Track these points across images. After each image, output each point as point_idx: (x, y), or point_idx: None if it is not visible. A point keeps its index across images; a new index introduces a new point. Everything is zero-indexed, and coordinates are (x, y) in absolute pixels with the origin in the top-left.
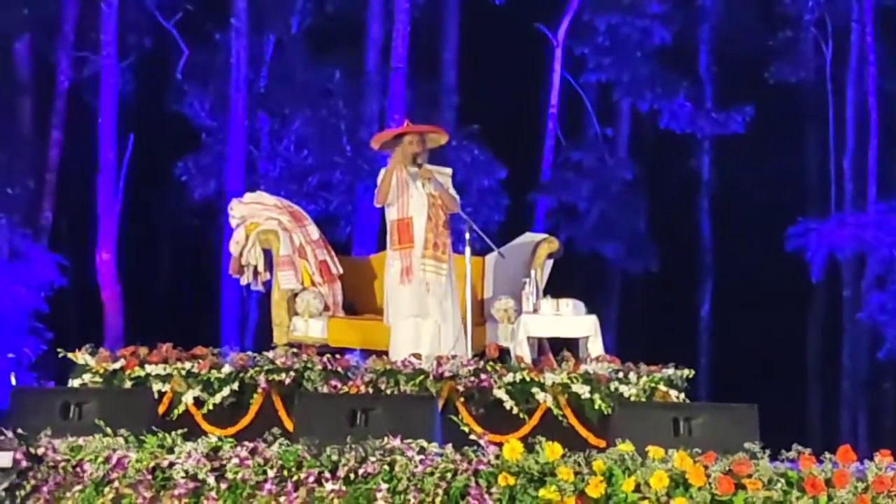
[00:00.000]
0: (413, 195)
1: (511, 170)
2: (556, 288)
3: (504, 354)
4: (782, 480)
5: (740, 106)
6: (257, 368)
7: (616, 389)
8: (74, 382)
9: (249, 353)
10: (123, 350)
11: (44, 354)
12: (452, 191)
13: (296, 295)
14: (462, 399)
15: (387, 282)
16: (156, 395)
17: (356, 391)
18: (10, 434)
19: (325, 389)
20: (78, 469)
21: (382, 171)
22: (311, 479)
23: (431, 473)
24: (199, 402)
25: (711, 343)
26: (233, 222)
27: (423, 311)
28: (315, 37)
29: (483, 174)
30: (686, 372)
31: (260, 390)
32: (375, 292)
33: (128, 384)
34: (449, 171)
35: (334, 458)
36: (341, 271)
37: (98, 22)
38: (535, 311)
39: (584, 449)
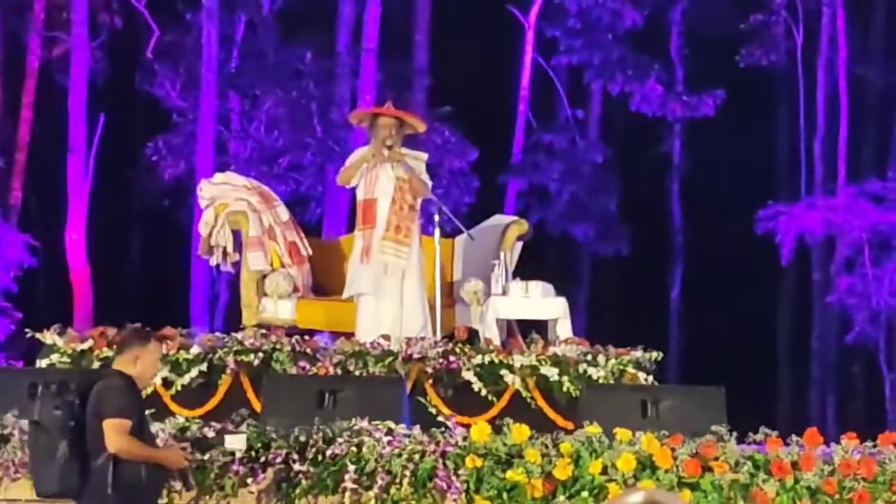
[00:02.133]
0: (380, 177)
1: (482, 152)
2: (525, 270)
3: (473, 336)
4: (749, 463)
5: (711, 89)
6: (226, 349)
7: (584, 372)
8: (42, 363)
9: (218, 334)
10: (92, 331)
11: (12, 334)
12: (425, 176)
13: (265, 276)
14: (430, 381)
15: (350, 258)
16: None
17: (325, 372)
18: None
19: (294, 371)
20: None
21: (357, 151)
22: (279, 460)
23: (399, 455)
24: (167, 383)
25: (681, 326)
26: (202, 203)
27: (379, 292)
28: (286, 17)
29: (454, 156)
30: (654, 354)
31: (228, 371)
32: (344, 274)
33: (96, 365)
34: (424, 155)
35: (302, 439)
36: (310, 253)
37: (68, 1)
38: (505, 293)
39: (552, 431)
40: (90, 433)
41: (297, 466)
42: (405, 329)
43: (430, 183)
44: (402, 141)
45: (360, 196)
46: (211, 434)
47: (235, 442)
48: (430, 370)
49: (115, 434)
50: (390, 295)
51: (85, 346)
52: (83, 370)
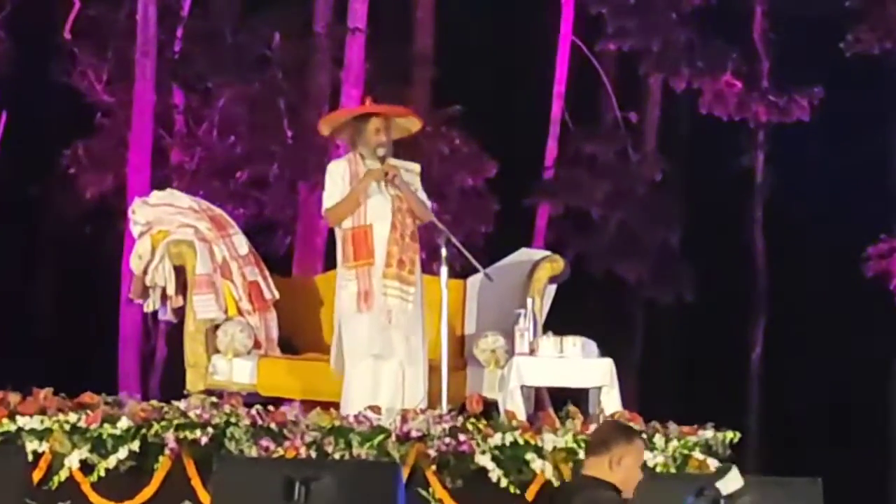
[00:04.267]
0: (372, 197)
1: (503, 165)
2: (559, 322)
3: (490, 409)
4: None
5: (807, 86)
6: (164, 423)
7: None
8: None
9: (154, 402)
10: None
11: None
12: (422, 193)
13: (217, 326)
14: (434, 467)
15: (338, 310)
16: (30, 457)
17: (294, 455)
18: None
19: (254, 452)
20: None
21: (334, 167)
22: None
23: None
24: (86, 467)
25: (764, 397)
26: (135, 230)
27: (386, 349)
28: None
29: (466, 171)
30: (729, 435)
31: (167, 452)
32: (322, 324)
33: None
34: (416, 167)
35: None
36: (277, 296)
37: None
38: (532, 351)
39: None
40: None
41: None
42: (409, 396)
43: (429, 202)
44: (391, 149)
45: (346, 223)
46: None
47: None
48: (433, 453)
49: None
50: (397, 352)
51: None
52: None
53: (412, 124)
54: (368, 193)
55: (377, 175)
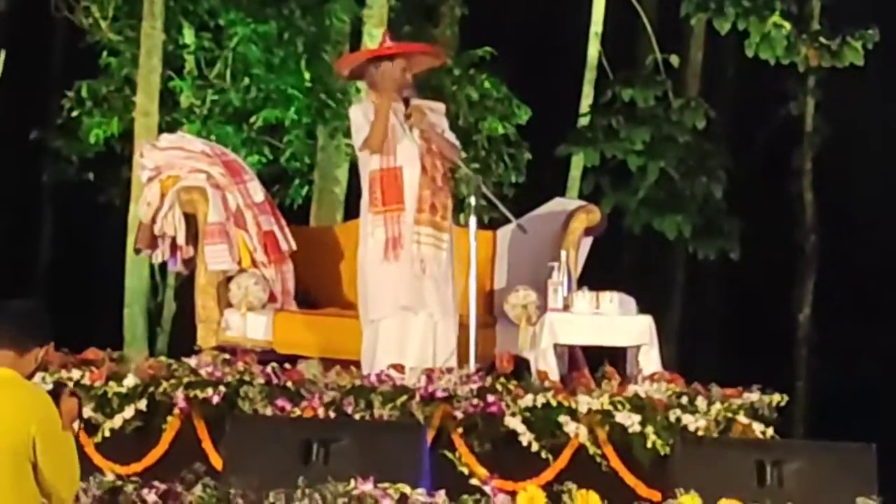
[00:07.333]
0: (400, 138)
1: (536, 112)
2: (595, 277)
3: (521, 368)
4: None
5: (861, 28)
6: (173, 381)
7: (678, 420)
8: None
9: (163, 358)
10: None
11: None
12: (449, 134)
13: (230, 279)
14: (461, 429)
15: (362, 259)
16: None
17: (312, 415)
18: None
19: (269, 412)
20: None
21: (358, 107)
22: None
23: None
24: (90, 427)
25: (812, 359)
26: (143, 175)
27: (418, 301)
28: None
29: (496, 117)
30: (776, 398)
31: (177, 411)
32: (342, 277)
33: None
34: (441, 106)
35: None
36: (294, 247)
37: None
38: (566, 308)
39: (632, 502)
40: None
41: None
42: (440, 353)
43: (457, 143)
44: (414, 88)
45: (374, 165)
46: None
47: None
48: (459, 415)
49: None
50: (429, 304)
51: None
52: None
53: (435, 59)
54: (397, 135)
55: (389, 93)
